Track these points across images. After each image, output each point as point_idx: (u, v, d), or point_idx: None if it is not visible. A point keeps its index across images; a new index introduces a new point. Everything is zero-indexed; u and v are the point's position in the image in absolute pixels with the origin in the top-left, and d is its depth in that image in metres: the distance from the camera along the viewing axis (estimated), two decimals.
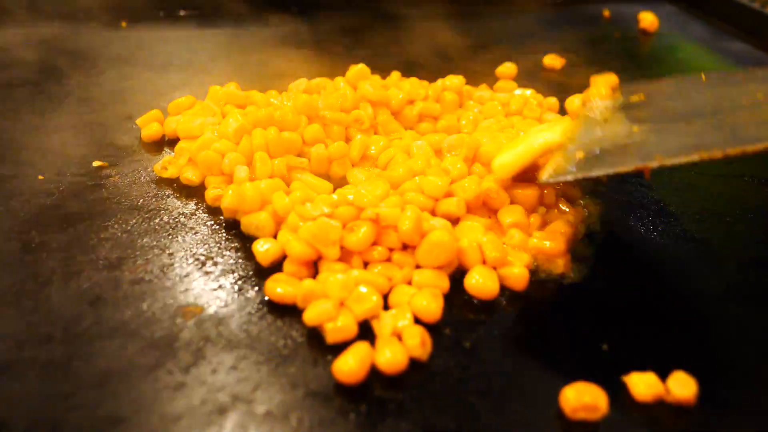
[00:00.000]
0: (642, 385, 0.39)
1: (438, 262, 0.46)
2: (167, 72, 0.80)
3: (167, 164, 0.58)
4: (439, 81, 0.71)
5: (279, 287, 0.44)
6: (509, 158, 0.51)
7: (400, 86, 0.68)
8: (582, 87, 0.79)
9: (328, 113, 0.60)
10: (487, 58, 0.87)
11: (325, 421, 0.37)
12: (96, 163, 0.59)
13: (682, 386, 0.39)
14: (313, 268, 0.47)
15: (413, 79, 0.71)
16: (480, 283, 0.46)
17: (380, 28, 0.98)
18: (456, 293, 0.46)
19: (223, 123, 0.58)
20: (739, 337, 0.44)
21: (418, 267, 0.47)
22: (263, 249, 0.48)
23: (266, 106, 0.61)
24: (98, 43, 0.87)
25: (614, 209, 0.56)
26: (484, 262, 0.48)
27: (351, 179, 0.57)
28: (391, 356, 0.39)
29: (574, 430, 0.37)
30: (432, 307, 0.43)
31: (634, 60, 0.95)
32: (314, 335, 0.42)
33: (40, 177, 0.57)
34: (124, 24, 0.94)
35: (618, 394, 0.39)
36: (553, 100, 0.71)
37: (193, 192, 0.56)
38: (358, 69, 0.67)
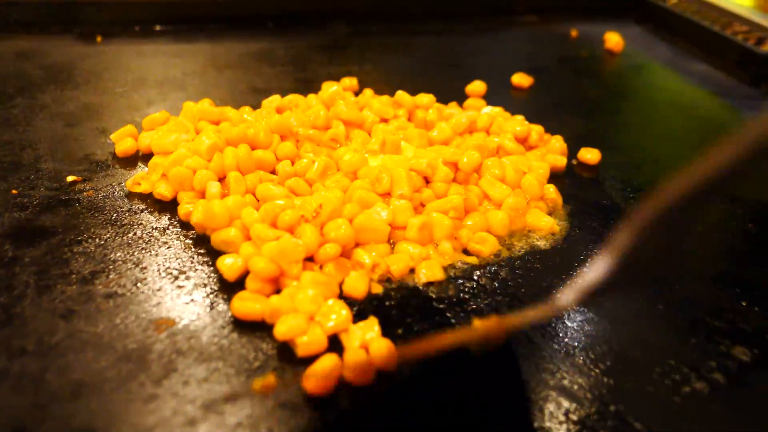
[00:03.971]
0: None
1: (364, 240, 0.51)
2: (142, 87, 0.81)
3: (140, 179, 0.59)
4: (411, 99, 0.72)
5: (246, 305, 0.45)
6: None
7: (371, 104, 0.70)
8: (549, 107, 0.82)
9: (300, 130, 0.62)
10: (457, 75, 0.89)
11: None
12: (70, 178, 0.60)
13: None
14: (276, 283, 0.48)
15: (385, 98, 0.73)
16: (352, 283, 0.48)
17: (354, 46, 1.00)
18: (421, 303, 0.48)
19: (196, 140, 0.59)
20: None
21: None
22: (228, 264, 0.49)
23: (240, 123, 0.63)
24: (73, 57, 0.88)
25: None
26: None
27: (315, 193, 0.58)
28: (358, 368, 0.41)
29: None
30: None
31: (600, 78, 0.98)
32: (284, 348, 0.43)
33: (14, 191, 0.58)
34: (99, 38, 0.94)
35: None
36: (519, 118, 0.73)
37: (166, 207, 0.57)
38: (332, 90, 0.69)
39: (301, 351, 0.43)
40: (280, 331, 0.43)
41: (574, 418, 0.40)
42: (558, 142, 0.68)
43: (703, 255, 0.57)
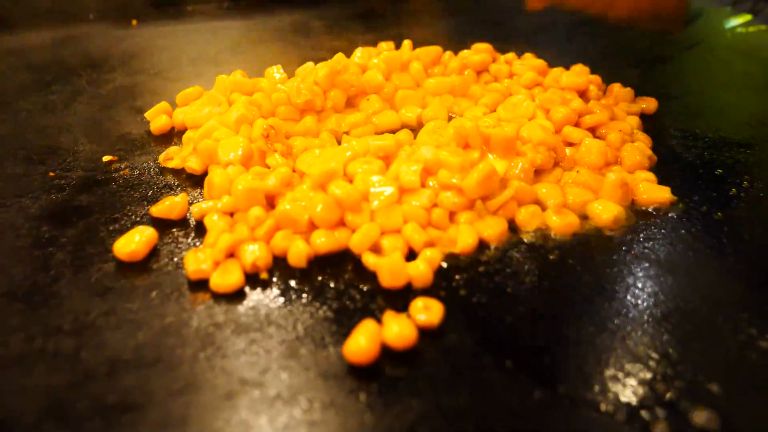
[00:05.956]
0: None
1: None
2: (177, 66, 0.80)
3: (173, 154, 0.58)
4: (460, 53, 0.72)
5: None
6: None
7: (414, 55, 0.70)
8: (599, 56, 0.78)
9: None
10: (499, 34, 0.85)
11: (335, 402, 0.36)
12: (106, 158, 0.59)
13: None
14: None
15: (430, 48, 0.71)
16: None
17: (391, 12, 0.97)
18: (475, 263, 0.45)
19: (227, 113, 0.58)
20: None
21: None
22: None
23: (273, 92, 0.61)
24: (109, 41, 0.88)
25: None
26: None
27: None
28: (398, 330, 0.38)
29: (583, 408, 0.36)
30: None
31: None
32: (325, 318, 0.41)
33: (51, 174, 0.57)
34: (134, 22, 0.94)
35: None
36: (577, 68, 0.69)
37: (200, 181, 0.55)
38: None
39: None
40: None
41: (642, 378, 0.37)
42: (622, 90, 0.65)
43: None
